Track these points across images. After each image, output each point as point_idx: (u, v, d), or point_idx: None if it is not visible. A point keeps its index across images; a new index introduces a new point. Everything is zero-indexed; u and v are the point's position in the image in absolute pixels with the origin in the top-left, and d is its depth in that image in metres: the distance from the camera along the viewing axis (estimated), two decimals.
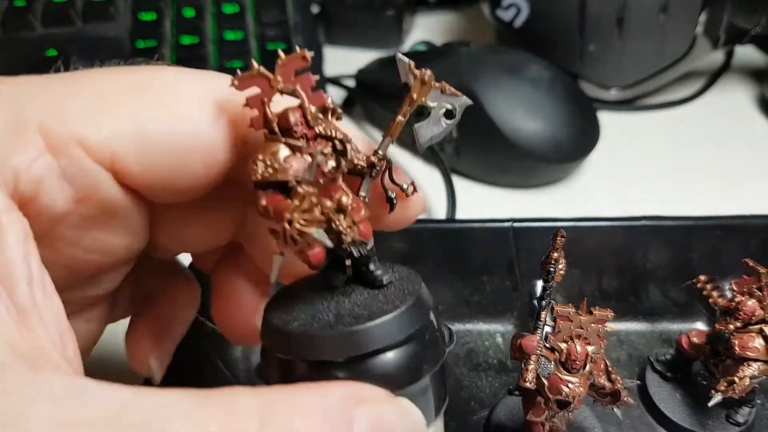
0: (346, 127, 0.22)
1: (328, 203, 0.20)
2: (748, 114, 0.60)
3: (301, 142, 0.21)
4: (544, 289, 0.29)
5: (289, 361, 0.22)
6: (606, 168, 0.53)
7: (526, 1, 0.56)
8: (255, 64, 0.20)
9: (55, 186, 0.20)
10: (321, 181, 0.20)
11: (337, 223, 0.20)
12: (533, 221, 0.41)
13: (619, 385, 0.29)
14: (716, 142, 0.56)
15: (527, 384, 0.29)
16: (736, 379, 0.31)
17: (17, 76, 0.20)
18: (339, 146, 0.21)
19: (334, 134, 0.21)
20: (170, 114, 0.21)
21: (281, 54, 0.21)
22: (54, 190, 0.20)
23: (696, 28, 0.55)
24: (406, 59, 0.22)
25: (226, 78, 0.21)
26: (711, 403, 0.32)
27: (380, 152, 0.23)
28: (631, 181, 0.53)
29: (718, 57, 0.63)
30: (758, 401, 0.36)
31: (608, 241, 0.41)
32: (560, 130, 0.50)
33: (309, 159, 0.20)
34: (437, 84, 0.23)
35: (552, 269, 0.30)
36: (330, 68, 0.63)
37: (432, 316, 0.23)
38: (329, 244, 0.19)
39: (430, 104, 0.23)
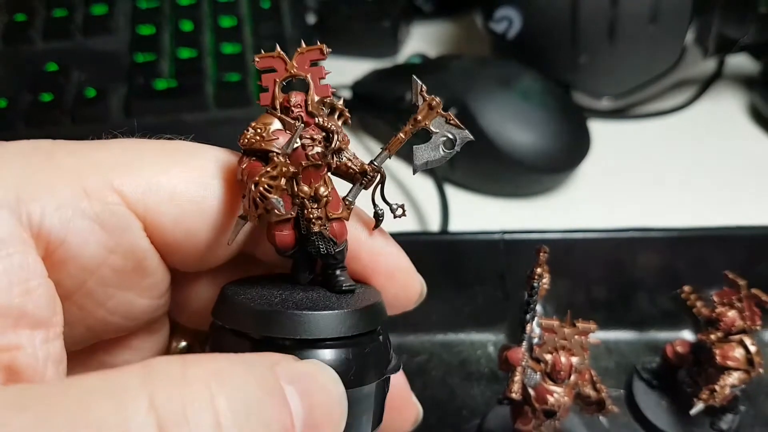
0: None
1: (306, 188, 0.22)
2: (739, 122, 0.61)
3: (295, 123, 0.22)
4: (527, 303, 0.30)
5: (228, 335, 0.21)
6: (597, 177, 0.54)
7: (518, 13, 0.57)
8: (278, 47, 0.22)
9: (86, 229, 0.20)
10: (303, 163, 0.21)
11: (309, 209, 0.22)
12: (523, 233, 0.42)
13: (603, 394, 0.30)
14: (707, 151, 0.57)
15: (513, 395, 0.29)
16: (717, 388, 0.32)
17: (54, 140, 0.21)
18: (331, 137, 0.22)
19: (328, 125, 0.22)
20: (201, 174, 0.21)
21: (303, 43, 0.22)
22: (85, 234, 0.20)
23: (686, 38, 0.55)
24: (419, 81, 0.23)
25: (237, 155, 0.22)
26: (693, 411, 0.33)
27: (375, 163, 0.23)
28: (622, 190, 0.53)
29: (709, 66, 0.64)
30: (742, 408, 0.36)
31: (597, 251, 0.42)
32: (551, 141, 0.51)
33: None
34: (443, 112, 0.24)
35: (535, 284, 0.30)
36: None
37: (381, 336, 0.23)
38: (282, 211, 0.21)
39: (433, 129, 0.24)
